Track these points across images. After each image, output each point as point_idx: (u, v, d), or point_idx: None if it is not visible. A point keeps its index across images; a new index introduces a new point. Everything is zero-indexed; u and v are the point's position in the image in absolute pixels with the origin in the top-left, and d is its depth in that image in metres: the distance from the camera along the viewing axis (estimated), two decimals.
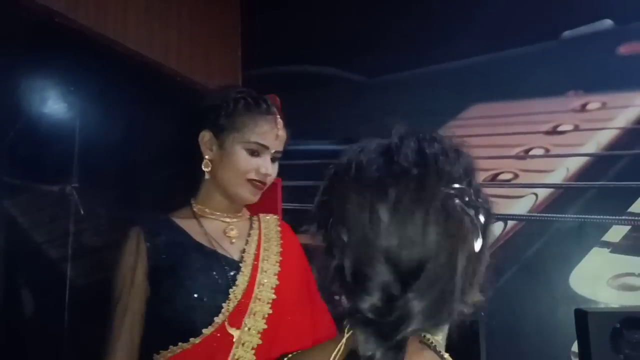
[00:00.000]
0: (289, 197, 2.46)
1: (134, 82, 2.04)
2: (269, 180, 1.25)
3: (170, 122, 2.28)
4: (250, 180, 1.22)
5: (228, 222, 1.26)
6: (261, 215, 1.36)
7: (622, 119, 1.97)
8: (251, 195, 1.24)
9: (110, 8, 1.92)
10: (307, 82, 2.50)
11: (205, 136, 1.24)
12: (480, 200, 0.64)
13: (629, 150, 1.94)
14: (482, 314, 1.71)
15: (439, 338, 0.64)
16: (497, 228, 1.97)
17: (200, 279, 1.14)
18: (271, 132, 1.24)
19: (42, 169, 1.74)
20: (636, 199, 1.89)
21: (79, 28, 1.79)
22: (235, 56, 2.66)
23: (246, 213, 1.34)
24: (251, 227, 1.30)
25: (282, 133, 1.27)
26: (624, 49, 1.99)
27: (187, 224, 1.23)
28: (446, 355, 0.64)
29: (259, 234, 1.28)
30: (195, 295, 1.12)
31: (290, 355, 0.75)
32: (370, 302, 0.58)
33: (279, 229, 1.34)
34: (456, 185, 0.62)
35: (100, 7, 1.87)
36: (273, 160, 1.27)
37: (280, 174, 2.43)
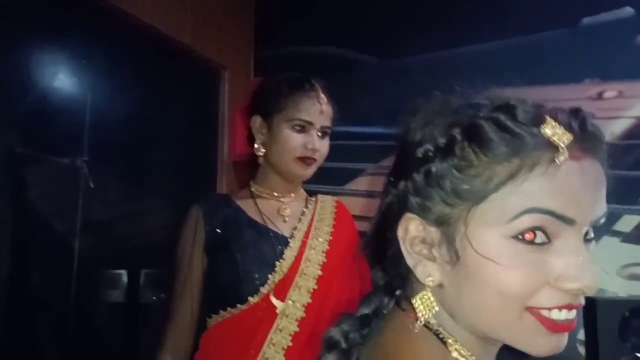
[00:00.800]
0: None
1: (147, 58, 2.03)
2: (319, 156, 1.30)
3: (182, 99, 2.28)
4: (299, 158, 1.27)
5: (283, 202, 1.34)
6: (320, 196, 1.43)
7: (638, 109, 1.95)
8: (302, 171, 1.30)
9: None
10: (322, 63, 2.48)
11: (256, 121, 1.34)
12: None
13: None
14: None
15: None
16: None
17: (250, 252, 1.23)
18: (314, 108, 1.29)
19: (53, 141, 1.74)
20: None
21: (94, 1, 1.78)
22: (248, 34, 2.64)
23: (303, 193, 1.42)
24: (306, 207, 1.38)
25: (326, 108, 1.31)
26: None
27: (245, 203, 1.32)
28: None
29: (313, 214, 1.35)
30: (245, 267, 1.21)
31: None
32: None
33: (334, 210, 1.40)
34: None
35: None
36: (323, 136, 1.31)
37: None
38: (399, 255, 0.58)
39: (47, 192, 1.73)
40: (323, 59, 2.49)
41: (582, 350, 1.79)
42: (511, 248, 0.52)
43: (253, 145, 1.36)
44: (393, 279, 0.62)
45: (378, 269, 0.65)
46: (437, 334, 0.58)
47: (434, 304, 0.57)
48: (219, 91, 2.45)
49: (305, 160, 1.29)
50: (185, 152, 2.27)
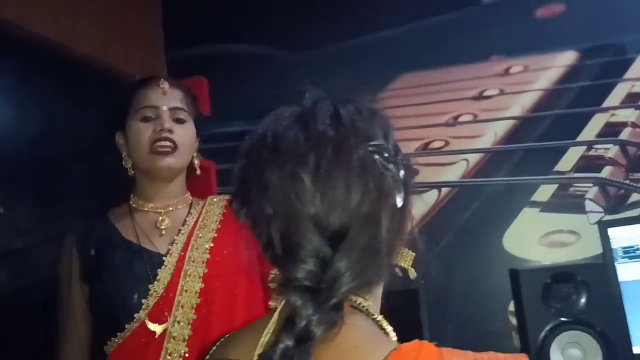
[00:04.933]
0: (223, 181, 2.41)
1: (43, 71, 1.92)
2: (179, 142, 1.20)
3: (91, 111, 2.18)
4: (153, 149, 1.18)
5: (161, 213, 1.25)
6: (210, 197, 1.34)
7: (544, 81, 2.02)
8: (161, 162, 1.20)
9: None
10: (232, 61, 2.44)
11: (117, 138, 1.26)
12: (399, 156, 0.65)
13: (551, 111, 1.99)
14: (422, 281, 1.73)
15: (371, 302, 0.65)
16: (431, 196, 2.00)
17: (122, 276, 1.16)
18: (155, 92, 1.22)
19: None
20: (560, 157, 1.95)
21: None
22: (157, 37, 2.56)
23: (188, 199, 1.32)
24: (189, 214, 1.28)
25: (170, 90, 1.23)
26: (542, 12, 2.03)
27: (121, 221, 1.25)
28: (379, 317, 0.65)
29: (196, 221, 1.26)
30: (118, 293, 1.15)
31: (222, 339, 0.73)
32: (305, 269, 0.58)
33: (223, 211, 1.30)
34: (374, 142, 0.62)
35: None
36: (179, 121, 1.23)
37: (213, 157, 2.41)
38: None
39: None
40: (234, 56, 2.44)
41: (514, 320, 1.86)
42: None
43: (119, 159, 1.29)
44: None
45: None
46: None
47: None
48: None
49: (159, 146, 1.18)
50: (100, 166, 2.18)
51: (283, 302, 0.61)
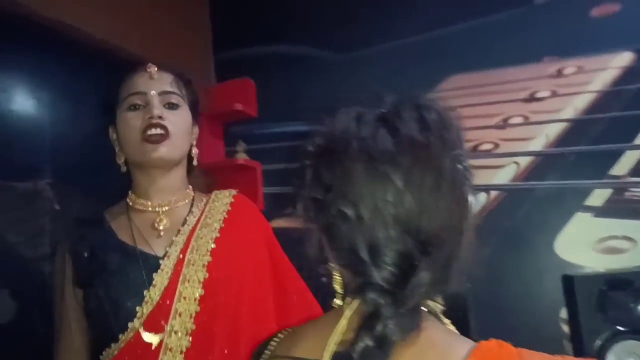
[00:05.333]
0: (269, 180, 2.43)
1: (101, 73, 1.98)
2: (171, 128, 1.08)
3: None
4: (143, 137, 1.06)
5: (158, 212, 1.13)
6: (215, 193, 1.21)
7: (598, 82, 1.97)
8: (153, 153, 1.07)
9: None
10: (279, 62, 2.46)
11: (111, 132, 1.15)
12: (468, 165, 0.65)
13: (606, 113, 1.94)
14: (470, 285, 1.70)
15: (439, 306, 0.66)
16: (481, 199, 1.97)
17: (115, 282, 1.06)
18: (142, 78, 1.10)
19: (14, 166, 1.69)
20: (616, 161, 1.89)
21: (44, 21, 1.73)
22: (205, 40, 2.60)
23: (189, 194, 1.18)
24: (190, 212, 1.15)
25: (157, 74, 1.11)
26: (596, 11, 1.97)
27: (117, 221, 1.13)
28: (446, 320, 0.66)
29: (198, 220, 1.13)
30: (111, 300, 1.04)
31: (280, 335, 0.73)
32: (389, 272, 0.58)
33: (228, 207, 1.17)
34: (458, 151, 0.62)
35: None
36: (172, 106, 1.11)
37: (259, 158, 2.43)
38: None
39: (12, 219, 1.68)
40: (281, 58, 2.46)
41: (565, 328, 1.81)
42: None
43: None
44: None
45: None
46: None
47: None
48: None
49: (150, 135, 1.06)
50: None
51: (354, 302, 0.61)
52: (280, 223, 2.40)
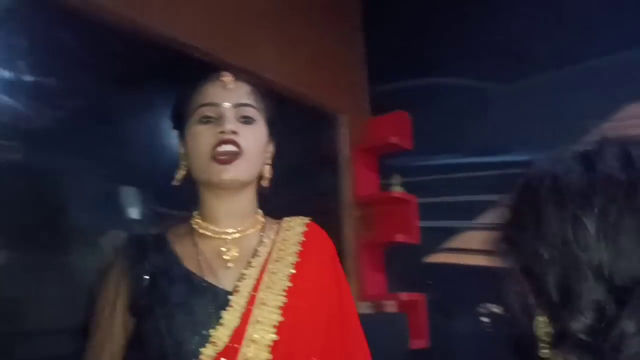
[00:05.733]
0: (425, 214, 2.39)
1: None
2: (244, 146, 0.96)
3: (300, 145, 2.33)
4: (213, 154, 0.96)
5: (225, 240, 1.01)
6: (286, 220, 1.08)
7: None
8: (224, 173, 0.96)
9: (245, 41, 2.00)
10: (436, 94, 2.43)
11: (180, 145, 1.05)
12: None
13: None
14: None
15: None
16: None
17: (179, 317, 0.94)
18: (215, 87, 1.00)
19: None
20: None
21: (217, 62, 1.88)
22: (361, 74, 2.66)
23: (259, 221, 1.06)
24: (261, 242, 1.03)
25: (233, 84, 1.01)
26: None
27: (181, 244, 1.02)
28: None
29: (269, 252, 1.01)
30: (172, 337, 0.93)
31: None
32: (583, 322, 0.53)
33: (301, 239, 1.05)
34: None
35: (235, 40, 1.96)
36: (246, 121, 0.99)
37: (416, 190, 2.40)
38: None
39: None
40: (437, 90, 2.43)
41: None
42: None
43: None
44: None
45: None
46: None
47: None
48: (337, 134, 2.48)
49: (221, 153, 0.95)
50: (306, 198, 2.30)
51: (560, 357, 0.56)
52: (437, 258, 2.34)
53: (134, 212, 1.77)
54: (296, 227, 1.05)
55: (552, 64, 2.12)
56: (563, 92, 2.07)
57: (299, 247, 1.02)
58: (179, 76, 1.78)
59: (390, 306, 2.32)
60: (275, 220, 1.07)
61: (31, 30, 1.53)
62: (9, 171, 1.48)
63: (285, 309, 0.94)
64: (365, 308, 2.31)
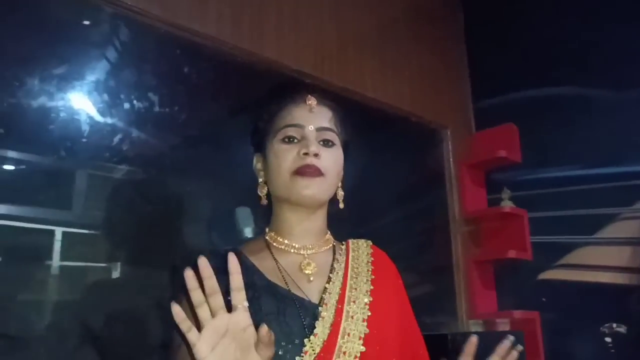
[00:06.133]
0: (537, 229, 2.30)
1: (371, 128, 2.14)
2: (325, 167, 1.01)
3: (407, 163, 2.34)
4: (296, 170, 1.00)
5: (304, 255, 1.05)
6: (351, 241, 1.12)
7: None
8: (304, 188, 1.00)
9: (350, 64, 2.08)
10: (545, 105, 2.35)
11: (255, 161, 1.10)
12: None
13: None
14: None
15: None
16: None
17: (274, 327, 0.93)
18: (301, 109, 1.04)
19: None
20: None
21: (325, 85, 1.97)
22: (465, 89, 2.64)
23: (330, 240, 1.10)
24: (335, 259, 1.07)
25: (317, 108, 1.05)
26: None
27: (260, 259, 1.05)
28: None
29: (346, 268, 1.06)
30: None
31: None
32: None
33: (370, 258, 1.09)
34: None
35: (341, 63, 2.03)
36: (326, 144, 1.04)
37: (525, 205, 2.33)
38: None
39: None
40: (545, 101, 2.35)
41: None
42: None
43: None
44: None
45: None
46: None
47: None
48: (443, 150, 2.47)
49: (303, 170, 0.99)
50: (414, 215, 2.30)
51: None
52: (551, 274, 2.25)
53: (247, 231, 1.87)
54: (362, 247, 1.10)
55: None
56: None
57: (370, 266, 1.06)
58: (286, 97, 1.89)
59: (503, 324, 2.25)
60: (338, 242, 1.11)
61: (155, 65, 1.68)
62: (136, 194, 1.63)
63: (370, 322, 0.98)
64: (475, 326, 2.27)
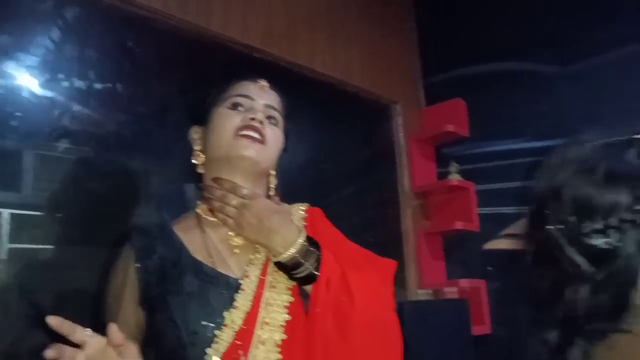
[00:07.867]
0: (484, 201, 2.37)
1: (320, 105, 2.14)
2: (269, 139, 1.00)
3: (357, 138, 2.36)
4: (238, 135, 0.98)
5: None
6: (287, 207, 1.09)
7: None
8: (245, 150, 0.98)
9: (299, 39, 2.06)
10: (493, 80, 2.40)
11: (192, 132, 1.08)
12: None
13: None
14: None
15: None
16: None
17: (194, 307, 0.94)
18: (254, 85, 1.05)
19: None
20: None
21: (275, 60, 1.95)
22: (415, 65, 2.67)
23: None
24: None
25: (268, 89, 1.06)
26: None
27: (189, 235, 1.01)
28: None
29: None
30: (188, 327, 0.92)
31: None
32: None
33: (303, 223, 1.05)
34: None
35: (290, 38, 2.02)
36: (271, 120, 1.03)
37: (472, 178, 2.39)
38: None
39: None
40: (492, 76, 2.40)
41: None
42: None
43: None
44: None
45: None
46: None
47: None
48: (393, 125, 2.50)
49: (248, 128, 0.98)
50: (365, 189, 2.33)
51: None
52: (496, 244, 2.33)
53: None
54: (296, 212, 1.07)
55: (614, 43, 2.05)
56: (626, 72, 2.00)
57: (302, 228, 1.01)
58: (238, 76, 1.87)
59: (451, 293, 2.33)
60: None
61: (99, 39, 1.62)
62: (82, 173, 1.59)
63: (294, 289, 0.96)
64: (424, 295, 2.34)
